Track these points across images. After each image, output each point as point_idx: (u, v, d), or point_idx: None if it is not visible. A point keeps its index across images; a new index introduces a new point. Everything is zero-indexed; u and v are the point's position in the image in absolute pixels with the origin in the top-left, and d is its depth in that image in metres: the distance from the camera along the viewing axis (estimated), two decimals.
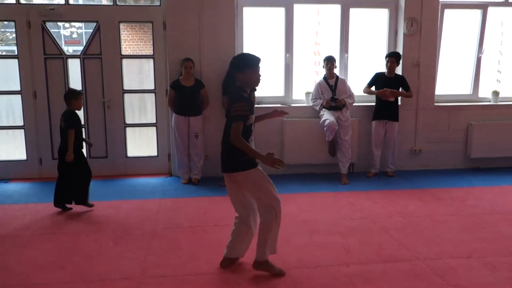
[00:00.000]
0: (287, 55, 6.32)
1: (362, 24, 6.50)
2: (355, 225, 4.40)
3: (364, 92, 6.23)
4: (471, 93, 6.78)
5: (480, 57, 6.66)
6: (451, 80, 6.83)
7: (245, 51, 6.17)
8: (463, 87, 6.83)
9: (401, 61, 6.30)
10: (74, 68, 6.04)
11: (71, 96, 4.70)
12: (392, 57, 6.02)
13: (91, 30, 6.04)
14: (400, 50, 6.37)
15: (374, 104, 6.38)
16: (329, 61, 5.88)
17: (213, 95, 5.91)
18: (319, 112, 6.01)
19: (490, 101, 6.73)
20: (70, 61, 6.07)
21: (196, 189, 5.65)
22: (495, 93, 6.69)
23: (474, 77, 6.72)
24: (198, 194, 5.45)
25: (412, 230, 4.27)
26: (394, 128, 6.18)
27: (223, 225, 4.37)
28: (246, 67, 3.23)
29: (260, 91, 6.05)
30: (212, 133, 6.07)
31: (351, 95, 5.98)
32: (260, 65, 3.27)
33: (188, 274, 3.37)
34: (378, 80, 6.13)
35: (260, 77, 3.29)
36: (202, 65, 5.95)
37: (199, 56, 5.94)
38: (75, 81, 6.03)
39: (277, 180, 5.98)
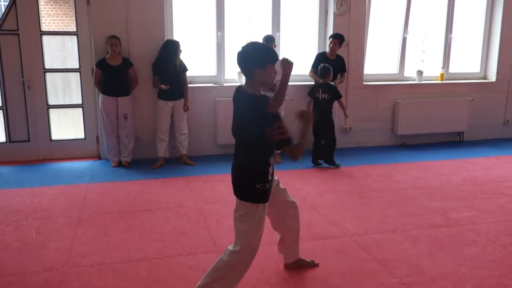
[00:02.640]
0: (219, 33, 6.20)
1: (293, 3, 6.50)
2: None
3: (310, 76, 6.20)
4: (397, 72, 7.03)
5: (406, 37, 6.90)
6: (378, 59, 7.03)
7: (175, 29, 5.99)
8: (390, 67, 7.06)
9: (327, 40, 6.40)
10: None
11: None
12: (336, 39, 5.99)
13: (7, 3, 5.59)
14: (330, 29, 6.45)
15: (310, 83, 6.46)
16: (268, 42, 5.84)
17: (142, 75, 5.70)
18: None
19: (414, 80, 7.02)
20: None
21: (127, 173, 5.47)
22: (419, 73, 6.98)
23: (400, 57, 6.96)
24: (128, 177, 5.28)
25: (342, 207, 4.40)
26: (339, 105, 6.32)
27: (154, 209, 4.27)
28: (268, 62, 2.44)
29: (192, 71, 5.97)
30: (142, 114, 5.88)
31: None
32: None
33: (116, 262, 3.26)
34: (319, 60, 6.11)
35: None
36: (130, 43, 5.70)
37: (127, 33, 5.67)
38: None
39: (210, 161, 6.00)
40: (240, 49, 2.48)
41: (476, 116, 7.16)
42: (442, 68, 7.15)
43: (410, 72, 7.06)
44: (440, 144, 7.06)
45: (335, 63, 6.10)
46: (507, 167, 5.75)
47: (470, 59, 7.42)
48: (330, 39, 6.05)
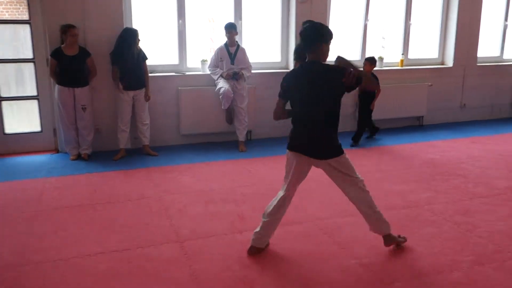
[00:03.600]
0: (180, 21, 6.10)
1: None
2: (251, 192, 4.45)
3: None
4: (360, 59, 7.09)
5: (366, 24, 6.97)
6: (341, 47, 7.08)
7: (134, 16, 5.85)
8: (352, 53, 7.13)
9: (294, 29, 6.43)
10: None
11: None
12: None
13: None
14: (293, 17, 6.45)
15: (270, 71, 6.48)
16: (229, 29, 5.80)
17: (100, 64, 5.54)
18: (216, 80, 5.93)
19: (376, 67, 7.09)
20: None
21: (86, 165, 5.33)
22: (380, 59, 7.07)
23: (361, 43, 7.04)
24: (88, 170, 5.16)
25: (306, 193, 4.39)
26: None
27: (115, 202, 4.19)
28: (331, 38, 2.97)
29: (152, 60, 5.87)
30: (101, 105, 5.74)
31: (248, 67, 5.96)
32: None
33: (75, 257, 3.18)
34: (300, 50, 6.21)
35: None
36: (86, 32, 5.52)
37: (83, 21, 5.49)
38: None
39: (172, 150, 5.93)
40: (306, 26, 3.01)
41: (435, 101, 7.34)
42: (402, 54, 7.27)
43: None
44: (401, 128, 7.20)
45: None
46: (463, 149, 5.93)
47: (428, 45, 7.57)
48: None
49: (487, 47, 7.84)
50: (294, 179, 3.20)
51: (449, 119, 7.57)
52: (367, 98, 6.32)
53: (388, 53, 7.24)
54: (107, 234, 3.53)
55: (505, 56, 8.04)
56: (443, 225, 3.63)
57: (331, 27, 6.56)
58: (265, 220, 3.19)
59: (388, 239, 3.25)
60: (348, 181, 3.12)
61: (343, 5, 6.90)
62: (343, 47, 7.08)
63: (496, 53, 7.97)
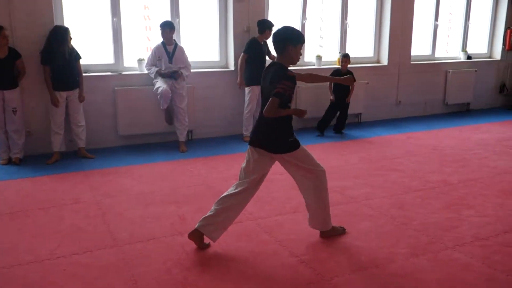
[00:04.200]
0: (115, 19, 5.91)
1: None
2: (192, 192, 4.39)
3: (240, 63, 6.24)
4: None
5: (304, 23, 7.08)
6: None
7: (65, 15, 5.60)
8: None
9: (231, 27, 6.41)
10: None
11: None
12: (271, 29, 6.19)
13: None
14: (230, 16, 6.43)
15: (209, 70, 6.43)
16: (164, 27, 5.67)
17: (30, 64, 5.26)
18: (154, 80, 5.80)
19: (314, 65, 7.24)
20: None
21: (18, 170, 5.05)
22: (319, 58, 7.21)
23: None
24: (20, 175, 4.88)
25: None
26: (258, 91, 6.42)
27: (48, 207, 3.99)
28: (299, 42, 3.04)
29: (87, 59, 5.65)
30: (33, 107, 5.46)
31: (187, 66, 5.87)
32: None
33: (3, 267, 2.99)
34: (252, 46, 6.19)
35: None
36: (14, 30, 5.21)
37: (9, 20, 5.19)
38: None
39: (110, 152, 5.74)
40: (277, 29, 3.10)
41: (372, 98, 7.58)
42: (340, 53, 7.45)
43: (310, 57, 7.27)
44: None
45: (263, 47, 6.31)
46: (399, 145, 6.16)
47: (364, 44, 7.81)
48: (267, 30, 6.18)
49: (420, 46, 8.20)
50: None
51: (385, 115, 7.85)
52: (342, 91, 6.61)
53: (326, 52, 7.39)
54: (39, 241, 3.35)
55: (436, 55, 8.44)
56: (380, 219, 3.74)
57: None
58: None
59: (326, 234, 3.37)
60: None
61: (281, 4, 6.97)
62: None
63: (428, 51, 8.35)
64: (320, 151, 5.89)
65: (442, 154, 5.70)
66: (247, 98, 6.31)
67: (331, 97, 6.72)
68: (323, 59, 7.25)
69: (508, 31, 8.77)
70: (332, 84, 6.68)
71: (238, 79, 6.29)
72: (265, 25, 6.19)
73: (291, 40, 3.01)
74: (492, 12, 8.88)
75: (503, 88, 9.11)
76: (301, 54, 3.13)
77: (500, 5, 8.83)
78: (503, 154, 5.71)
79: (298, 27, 7.05)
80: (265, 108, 2.98)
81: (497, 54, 9.02)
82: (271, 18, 6.81)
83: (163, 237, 3.45)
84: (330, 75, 6.56)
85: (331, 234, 3.41)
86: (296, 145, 3.19)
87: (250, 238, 3.44)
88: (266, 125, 3.12)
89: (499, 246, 3.29)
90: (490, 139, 6.45)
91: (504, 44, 8.87)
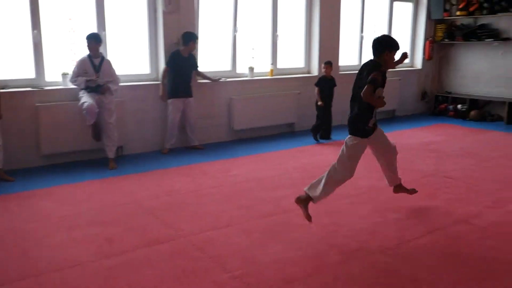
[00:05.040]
0: (35, 31, 5.61)
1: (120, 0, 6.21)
2: (121, 211, 4.21)
3: (162, 76, 6.21)
4: (231, 69, 7.20)
5: (235, 35, 7.09)
6: (212, 57, 7.12)
7: None
8: (223, 64, 7.19)
9: (162, 39, 6.31)
10: None
11: None
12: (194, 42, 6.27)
13: None
14: (160, 28, 6.33)
15: (139, 83, 6.27)
16: (91, 40, 5.47)
17: None
18: (79, 95, 5.55)
19: (247, 76, 7.27)
20: None
21: None
22: (251, 69, 7.24)
23: (232, 54, 7.14)
24: None
25: (178, 208, 4.31)
26: (192, 103, 6.36)
27: None
28: (394, 49, 3.65)
29: (4, 74, 5.33)
30: None
31: (115, 80, 5.68)
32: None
33: None
34: (174, 59, 6.15)
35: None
36: None
37: None
38: None
39: (31, 173, 5.37)
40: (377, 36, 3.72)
41: (304, 108, 7.71)
42: (271, 64, 7.53)
43: (242, 68, 7.29)
44: (275, 135, 7.44)
45: (187, 61, 6.25)
46: (331, 153, 6.29)
47: (295, 55, 7.95)
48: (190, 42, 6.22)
49: (348, 57, 8.47)
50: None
51: None
52: (329, 97, 7.00)
53: (258, 63, 7.45)
54: None
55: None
56: (311, 228, 3.77)
57: (201, 37, 6.73)
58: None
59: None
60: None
61: (212, 16, 6.95)
62: (213, 57, 7.12)
63: (355, 62, 8.64)
64: (252, 162, 5.88)
65: (370, 160, 5.85)
66: (168, 111, 6.24)
67: (320, 103, 6.89)
68: (255, 70, 7.29)
69: (427, 42, 9.31)
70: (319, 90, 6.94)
71: (160, 91, 6.22)
72: (189, 37, 6.16)
73: (389, 46, 3.60)
74: (412, 25, 9.38)
75: (424, 95, 9.62)
76: (394, 60, 3.71)
77: (419, 18, 9.34)
78: (426, 158, 5.98)
79: (229, 39, 7.06)
80: (362, 91, 3.48)
81: (418, 64, 9.54)
82: (202, 30, 6.79)
83: (89, 262, 3.26)
84: (318, 81, 6.95)
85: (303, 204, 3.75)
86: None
87: (181, 256, 3.33)
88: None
89: (423, 247, 3.41)
90: (414, 144, 6.76)
91: (424, 54, 9.40)
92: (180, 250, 3.42)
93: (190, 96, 6.36)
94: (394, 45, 3.64)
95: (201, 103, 6.74)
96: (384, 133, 4.01)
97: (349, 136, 3.80)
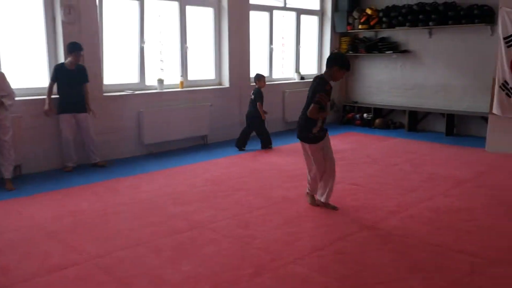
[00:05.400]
0: None
1: (13, 9, 5.77)
2: (18, 237, 3.86)
3: (48, 88, 5.81)
4: (139, 81, 6.98)
5: (143, 47, 6.90)
6: (118, 69, 6.86)
7: None
8: (131, 76, 6.96)
9: (62, 50, 5.98)
10: None
11: None
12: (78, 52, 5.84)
13: None
14: (60, 38, 5.99)
15: (37, 98, 5.86)
16: None
17: None
18: None
19: (156, 89, 7.09)
20: None
21: None
22: (160, 81, 7.08)
23: (139, 66, 6.93)
24: None
25: (83, 229, 4.04)
26: (86, 119, 5.99)
27: None
28: (344, 69, 4.23)
29: None
30: None
31: (9, 94, 5.22)
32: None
33: None
34: (58, 73, 5.78)
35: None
36: None
37: None
38: None
39: None
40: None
41: (216, 119, 7.69)
42: (182, 76, 7.42)
43: (151, 81, 7.10)
44: (187, 148, 7.32)
45: (74, 73, 5.87)
46: (243, 164, 6.31)
47: (206, 67, 7.91)
48: (73, 53, 5.80)
49: (259, 68, 8.59)
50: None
51: (230, 136, 8.00)
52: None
53: (168, 75, 7.30)
54: None
55: (274, 76, 8.94)
56: (223, 242, 3.71)
57: (105, 49, 6.46)
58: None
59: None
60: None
61: (118, 26, 6.71)
62: (120, 69, 6.87)
63: (266, 73, 8.78)
64: (162, 177, 5.72)
65: (283, 170, 5.97)
66: (60, 127, 5.94)
67: (264, 116, 7.12)
68: (165, 83, 7.14)
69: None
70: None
71: (46, 106, 5.78)
72: (72, 48, 5.79)
73: (339, 64, 4.19)
74: (318, 37, 9.77)
75: (332, 105, 9.98)
76: (342, 75, 4.27)
77: (325, 31, 9.75)
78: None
79: (135, 50, 6.85)
80: (308, 110, 4.15)
81: None
82: (106, 41, 6.52)
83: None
84: (260, 96, 7.07)
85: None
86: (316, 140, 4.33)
87: (86, 281, 3.11)
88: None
89: (333, 254, 3.50)
90: None
91: None
92: (85, 275, 3.19)
93: (83, 111, 5.98)
94: (345, 65, 4.21)
95: (108, 117, 6.46)
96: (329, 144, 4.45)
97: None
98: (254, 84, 7.29)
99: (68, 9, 5.92)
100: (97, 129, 6.30)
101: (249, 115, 7.25)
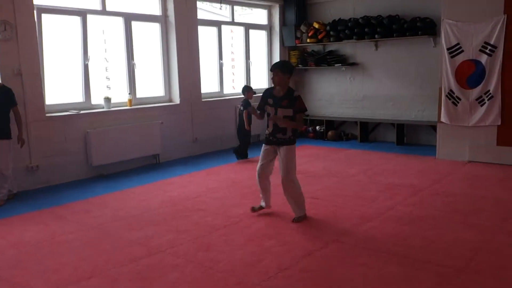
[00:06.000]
0: None
1: None
2: None
3: None
4: (84, 100, 6.62)
5: (87, 64, 6.56)
6: (61, 88, 6.48)
7: None
8: (74, 95, 6.59)
9: None
10: None
11: None
12: None
13: None
14: None
15: None
16: None
17: None
18: None
19: (103, 108, 6.75)
20: None
21: None
22: (107, 100, 6.75)
23: (84, 84, 6.58)
24: None
25: (28, 262, 3.68)
26: (5, 146, 5.32)
27: None
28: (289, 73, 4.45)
29: None
30: None
31: None
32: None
33: None
34: None
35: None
36: None
37: None
38: None
39: None
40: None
41: (169, 137, 7.43)
42: (129, 93, 7.13)
43: (97, 99, 6.76)
44: (139, 169, 7.00)
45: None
46: (200, 182, 6.08)
47: (155, 84, 7.65)
48: None
49: (209, 84, 8.44)
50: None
51: (183, 154, 7.77)
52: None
53: (115, 93, 6.98)
54: None
55: (225, 91, 8.80)
56: (186, 267, 3.48)
57: (46, 68, 6.08)
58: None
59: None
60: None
61: (59, 44, 6.35)
62: (63, 88, 6.49)
63: (216, 89, 8.65)
64: (114, 200, 5.39)
65: (241, 187, 5.80)
66: None
67: (247, 127, 7.24)
68: (112, 101, 6.81)
69: None
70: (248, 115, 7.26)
71: None
72: None
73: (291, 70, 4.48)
74: (267, 51, 9.75)
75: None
76: (276, 82, 4.41)
77: (273, 45, 9.76)
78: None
79: (79, 68, 6.50)
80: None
81: None
82: (47, 58, 6.15)
83: None
84: (246, 104, 7.16)
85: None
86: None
87: None
88: None
89: (300, 273, 3.35)
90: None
91: None
92: None
93: (5, 137, 5.31)
94: (288, 70, 4.43)
95: (52, 139, 6.06)
96: (285, 158, 4.44)
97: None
98: (243, 96, 7.56)
99: (3, 25, 5.53)
100: (41, 152, 5.89)
101: (239, 125, 7.58)
